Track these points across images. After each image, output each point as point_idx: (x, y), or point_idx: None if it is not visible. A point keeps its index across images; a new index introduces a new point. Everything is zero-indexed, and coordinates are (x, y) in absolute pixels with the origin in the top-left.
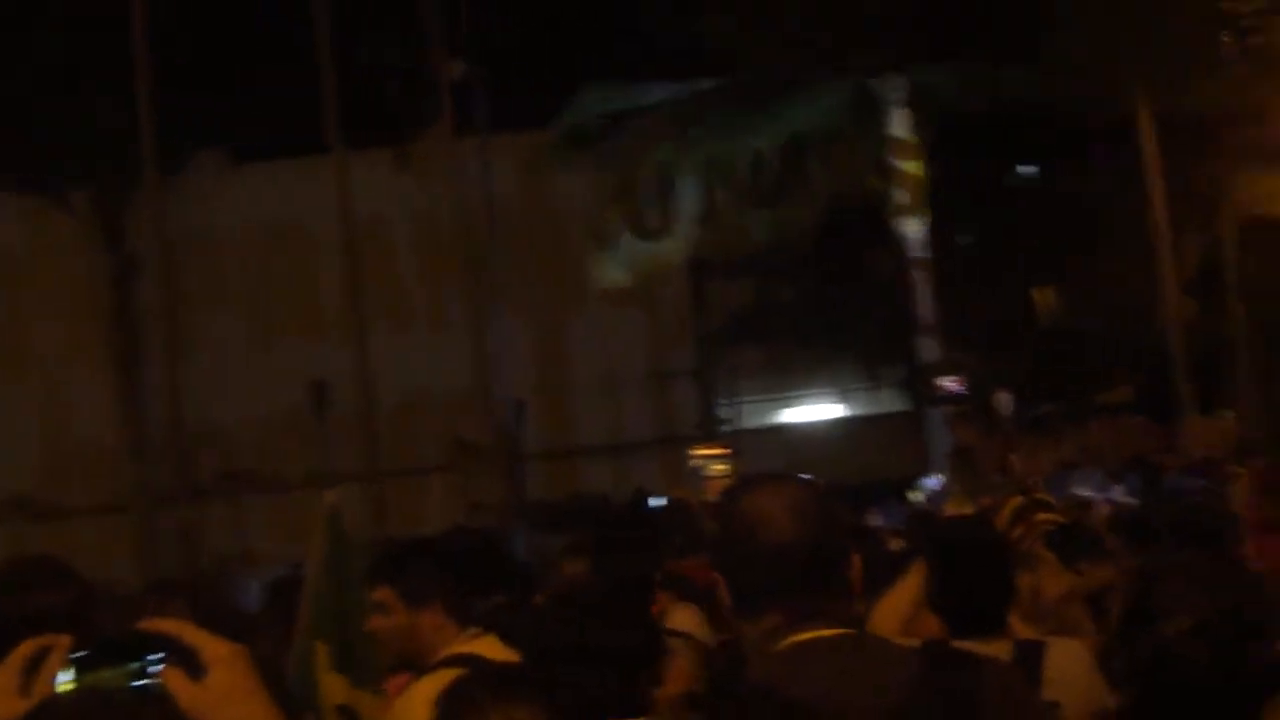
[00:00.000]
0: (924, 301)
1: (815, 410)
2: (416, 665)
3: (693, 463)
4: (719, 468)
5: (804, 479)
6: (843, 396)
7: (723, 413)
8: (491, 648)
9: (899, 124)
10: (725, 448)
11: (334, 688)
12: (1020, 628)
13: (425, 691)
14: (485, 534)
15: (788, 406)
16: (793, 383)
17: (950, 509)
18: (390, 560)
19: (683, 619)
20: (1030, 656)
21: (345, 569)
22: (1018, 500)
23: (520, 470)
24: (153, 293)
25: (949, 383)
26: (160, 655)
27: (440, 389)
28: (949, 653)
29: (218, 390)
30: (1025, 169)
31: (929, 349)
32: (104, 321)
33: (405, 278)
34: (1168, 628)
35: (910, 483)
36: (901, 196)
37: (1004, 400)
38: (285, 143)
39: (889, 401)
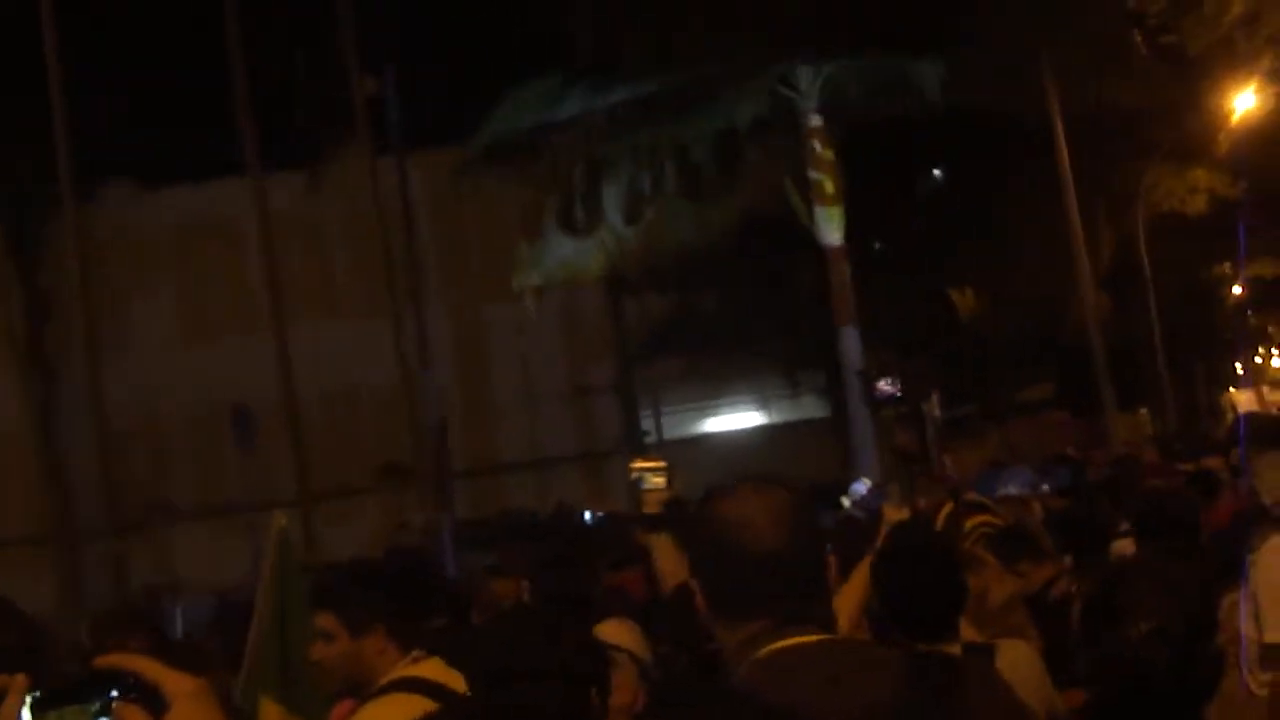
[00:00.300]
0: (842, 307)
1: (737, 419)
2: (360, 691)
3: (632, 475)
4: (657, 480)
5: (780, 484)
6: (764, 404)
7: (645, 425)
8: (436, 670)
9: (814, 129)
10: (661, 460)
11: (270, 716)
12: (966, 631)
13: (375, 716)
14: (418, 555)
15: (710, 416)
16: (714, 392)
17: (888, 512)
18: (331, 586)
19: (618, 634)
20: (980, 660)
21: (289, 594)
22: (949, 504)
23: (448, 488)
24: (69, 322)
25: (885, 385)
26: (119, 692)
27: (365, 408)
28: (930, 656)
29: (142, 419)
30: (936, 172)
31: (850, 354)
32: (17, 351)
33: (326, 298)
34: (1130, 630)
35: (835, 487)
36: (817, 202)
37: (932, 402)
38: (198, 166)
39: (810, 407)
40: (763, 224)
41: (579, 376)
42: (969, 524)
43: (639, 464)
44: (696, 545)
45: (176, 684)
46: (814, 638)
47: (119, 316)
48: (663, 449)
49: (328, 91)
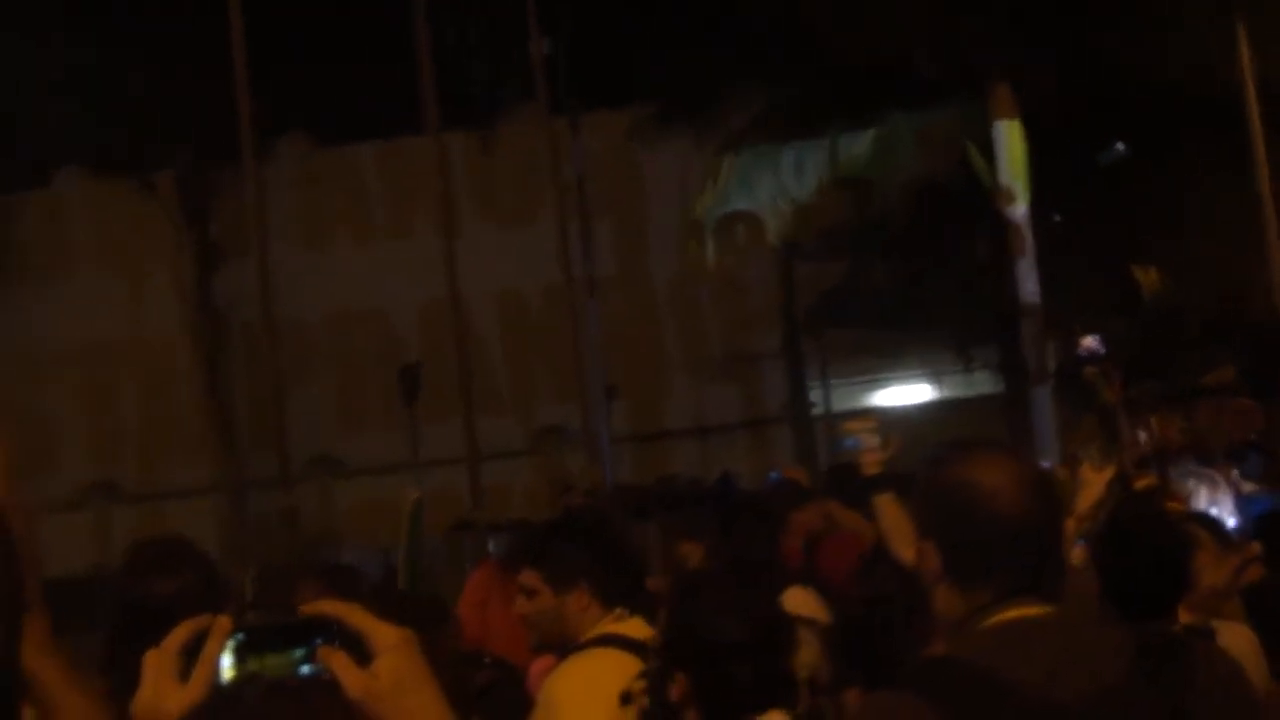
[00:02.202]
0: (1024, 281)
1: (907, 392)
2: (561, 647)
3: (844, 437)
4: (873, 439)
5: (1016, 453)
6: (935, 378)
7: (812, 396)
8: (637, 629)
9: (1000, 95)
10: (873, 419)
11: None
12: (1182, 613)
13: (585, 669)
14: (602, 516)
15: (879, 388)
16: (884, 364)
17: (1088, 474)
18: (533, 542)
19: (801, 602)
20: (1206, 642)
21: (417, 564)
22: (1148, 478)
23: (608, 454)
24: (241, 276)
25: (1091, 341)
26: (323, 640)
27: (529, 372)
28: (1159, 636)
29: (309, 374)
30: (1119, 145)
31: (1029, 329)
32: (192, 304)
33: (497, 261)
34: None
35: None
36: (1001, 174)
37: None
38: (373, 125)
39: (983, 383)
40: (942, 194)
41: (746, 343)
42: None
43: (853, 424)
44: (936, 508)
45: (383, 634)
46: (1044, 610)
47: (290, 270)
48: (830, 420)
49: (503, 51)
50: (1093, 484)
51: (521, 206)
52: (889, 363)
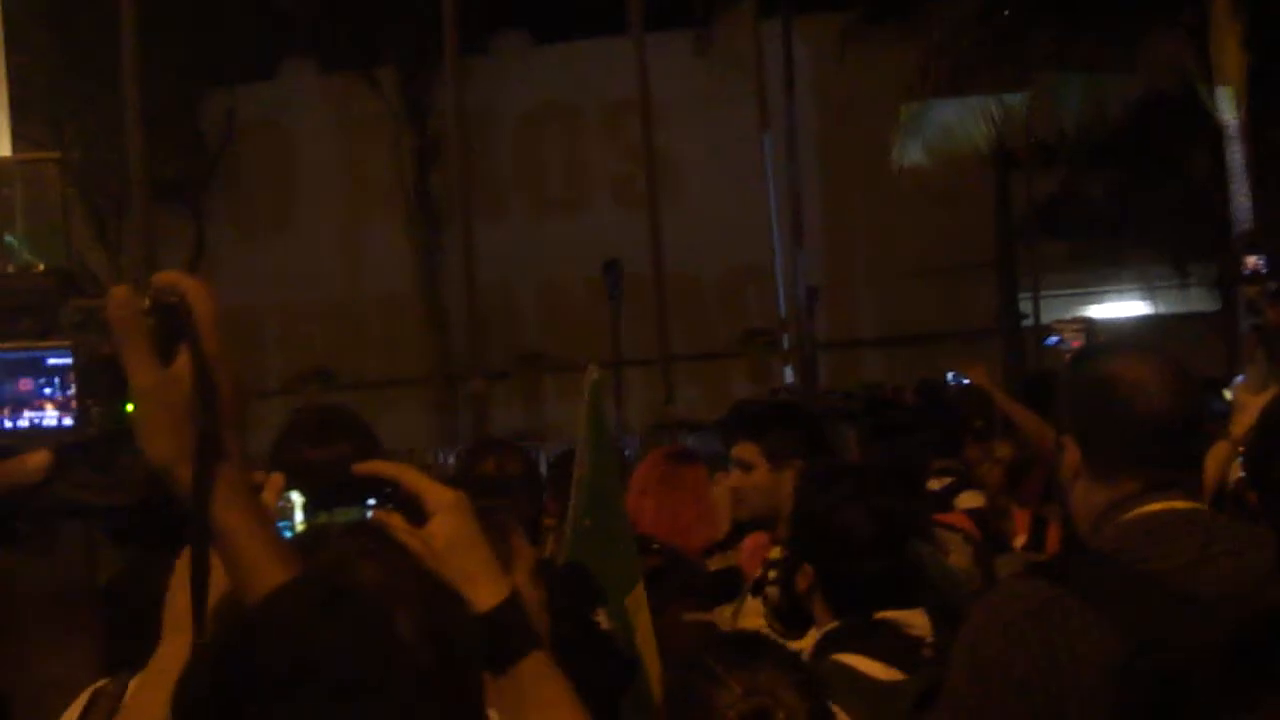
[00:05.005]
0: (1239, 196)
1: (1121, 307)
2: (772, 523)
3: (1051, 337)
4: (1079, 342)
5: (1159, 351)
6: (1150, 294)
7: (1023, 308)
8: None
9: (1219, 9)
10: (1082, 320)
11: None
12: None
13: None
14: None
15: (1092, 302)
16: (1097, 278)
17: (1240, 395)
18: (752, 418)
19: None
20: None
21: (603, 449)
22: None
23: (811, 358)
24: (453, 171)
25: (1254, 259)
26: (379, 500)
27: (730, 274)
28: None
29: (514, 270)
30: None
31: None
32: (407, 199)
33: (698, 163)
34: None
35: (1219, 383)
36: (1218, 81)
37: None
38: (585, 24)
39: (1199, 300)
40: (1161, 104)
41: (958, 253)
42: None
43: (1060, 323)
44: (1078, 401)
45: (436, 495)
46: (1187, 504)
47: (499, 170)
48: (1040, 333)
49: None
50: (1249, 407)
51: (729, 110)
52: (1102, 276)
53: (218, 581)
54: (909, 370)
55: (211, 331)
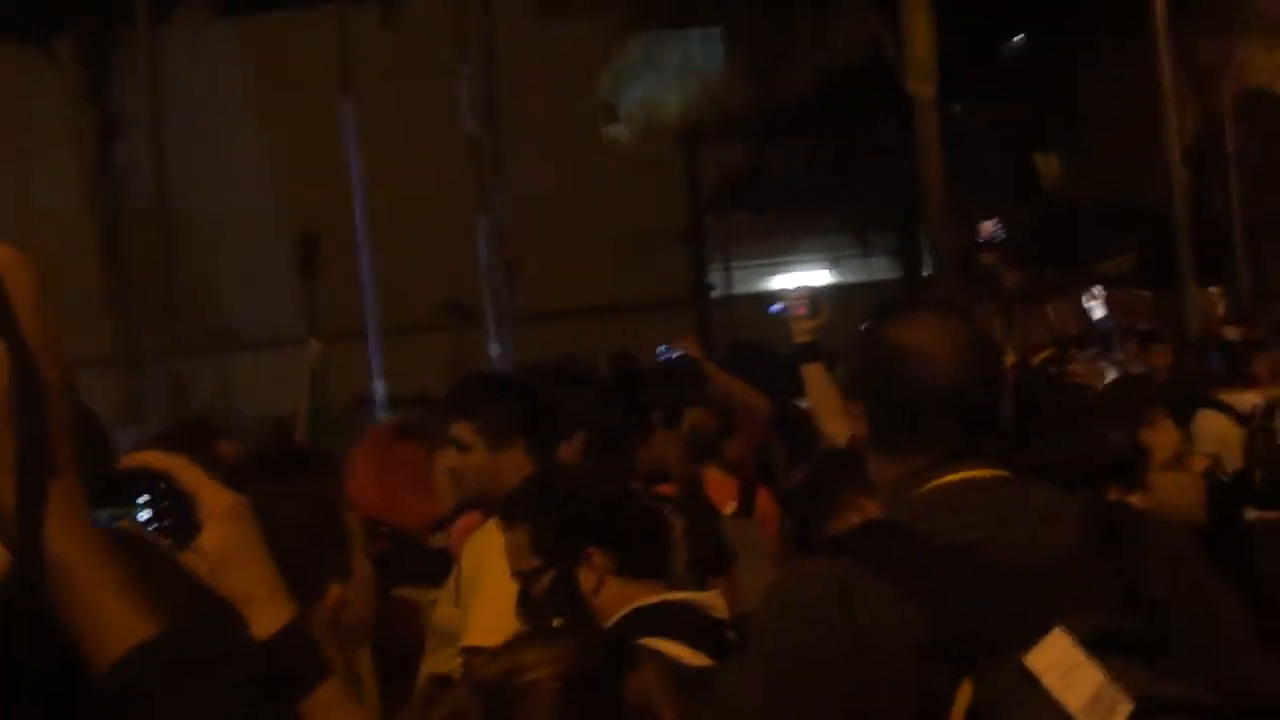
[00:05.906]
0: (928, 166)
1: (806, 277)
2: (489, 505)
3: (776, 307)
4: (804, 309)
5: (953, 308)
6: (834, 263)
7: (713, 279)
8: None
9: None
10: (807, 290)
11: None
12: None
13: None
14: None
15: (779, 272)
16: (785, 248)
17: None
18: (465, 394)
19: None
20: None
21: (323, 420)
22: (1051, 350)
23: (510, 331)
24: (140, 146)
25: (992, 226)
26: (151, 497)
27: (432, 248)
28: (1110, 504)
29: (206, 245)
30: (1020, 36)
31: (932, 215)
32: (90, 175)
33: (399, 135)
34: None
35: None
36: (909, 57)
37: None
38: None
39: (881, 268)
40: (848, 76)
41: (648, 224)
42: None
43: (786, 292)
44: (864, 370)
45: (213, 500)
46: (988, 472)
47: (188, 140)
48: (730, 304)
49: None
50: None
51: (425, 81)
52: (789, 246)
53: None
54: (604, 342)
55: (33, 311)
